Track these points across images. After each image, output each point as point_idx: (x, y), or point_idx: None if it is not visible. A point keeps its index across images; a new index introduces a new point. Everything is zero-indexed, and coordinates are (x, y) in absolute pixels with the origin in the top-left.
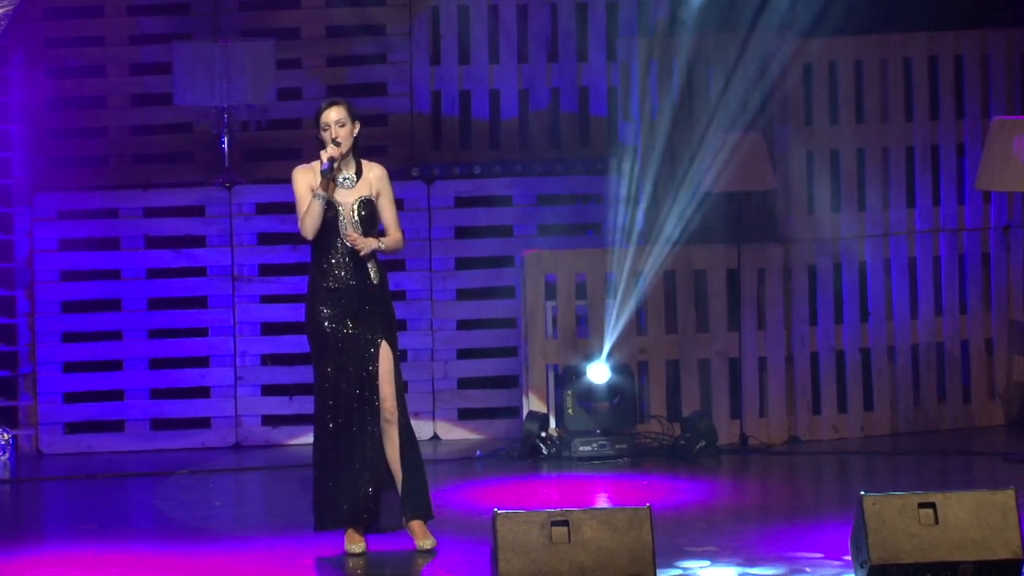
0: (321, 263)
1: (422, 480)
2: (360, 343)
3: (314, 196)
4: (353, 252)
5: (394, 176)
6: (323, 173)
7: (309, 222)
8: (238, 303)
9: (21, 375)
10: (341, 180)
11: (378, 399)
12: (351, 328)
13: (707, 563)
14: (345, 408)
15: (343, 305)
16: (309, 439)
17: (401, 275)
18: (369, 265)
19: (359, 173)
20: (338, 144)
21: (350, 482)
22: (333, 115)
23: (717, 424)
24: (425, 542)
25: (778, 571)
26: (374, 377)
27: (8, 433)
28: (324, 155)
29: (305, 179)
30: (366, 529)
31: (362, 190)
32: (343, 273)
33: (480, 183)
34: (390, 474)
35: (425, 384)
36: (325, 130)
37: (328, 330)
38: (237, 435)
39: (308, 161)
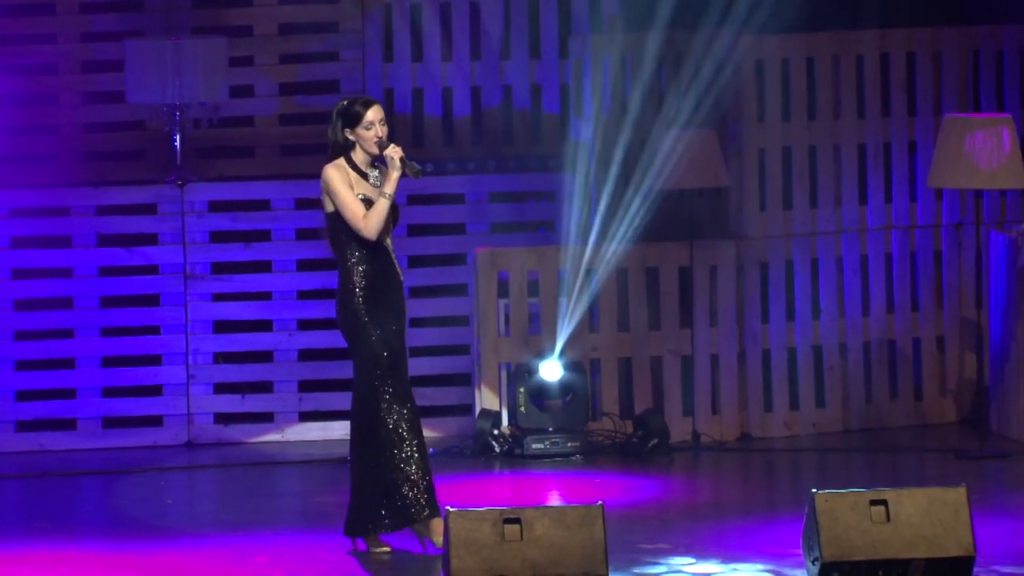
0: (358, 261)
1: None
2: (401, 340)
3: (381, 195)
4: (388, 250)
5: None
6: (415, 172)
7: (378, 221)
8: (190, 301)
9: None
10: (373, 180)
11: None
12: (394, 326)
13: (660, 560)
14: (400, 406)
15: (384, 302)
16: (261, 437)
17: None
18: (396, 262)
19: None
20: (387, 143)
21: (409, 482)
22: (377, 114)
23: (669, 421)
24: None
25: (730, 568)
26: (405, 370)
27: None
28: (394, 152)
29: (343, 178)
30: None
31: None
32: (383, 270)
33: (433, 180)
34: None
35: None
36: (369, 128)
37: (375, 327)
38: (189, 433)
39: (262, 159)
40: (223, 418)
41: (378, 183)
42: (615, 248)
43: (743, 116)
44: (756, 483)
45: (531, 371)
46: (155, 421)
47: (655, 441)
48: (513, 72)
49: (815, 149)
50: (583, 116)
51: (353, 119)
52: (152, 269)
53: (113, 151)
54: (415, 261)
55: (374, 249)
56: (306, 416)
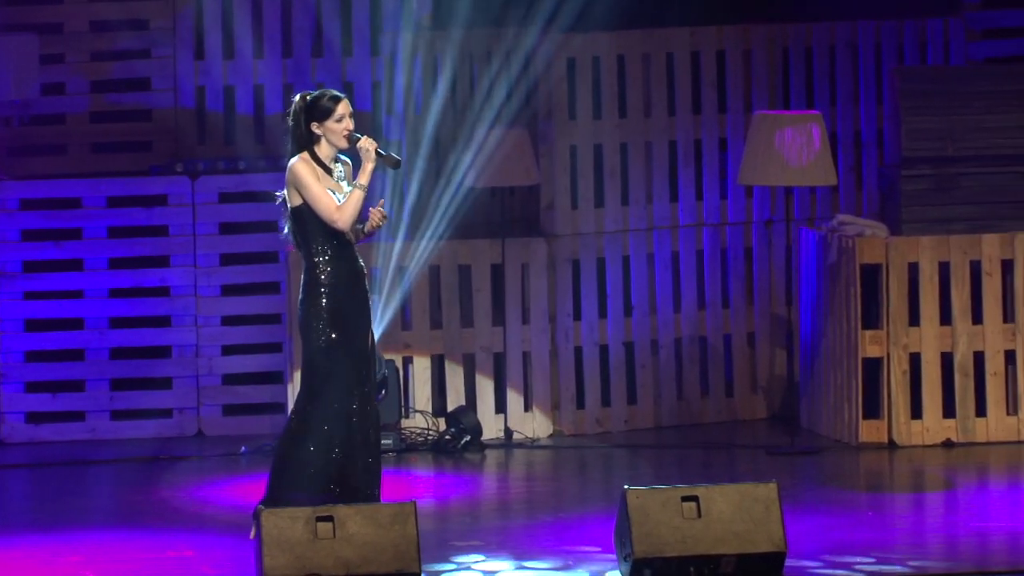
0: (325, 255)
1: None
2: (365, 332)
3: (355, 186)
4: (352, 243)
5: (158, 172)
6: (393, 164)
7: (353, 213)
8: (1, 300)
9: None
10: (336, 175)
11: (370, 386)
12: (359, 317)
13: (474, 557)
14: (344, 395)
15: (351, 297)
16: (73, 436)
17: (165, 271)
18: (359, 255)
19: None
20: (357, 136)
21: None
22: (346, 108)
23: (482, 419)
24: None
25: (542, 564)
26: (371, 366)
27: None
28: (370, 144)
29: (311, 171)
30: None
31: (350, 183)
32: (349, 265)
33: (245, 178)
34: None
35: (190, 380)
36: (339, 122)
37: (341, 319)
38: (0, 432)
39: (73, 157)
40: (34, 417)
41: (342, 177)
42: (427, 245)
43: (554, 114)
44: (568, 480)
45: None
46: None
47: (467, 438)
48: (325, 69)
49: (626, 147)
50: (394, 114)
51: (322, 113)
52: None
53: None
54: (228, 259)
55: (341, 242)
56: (118, 414)
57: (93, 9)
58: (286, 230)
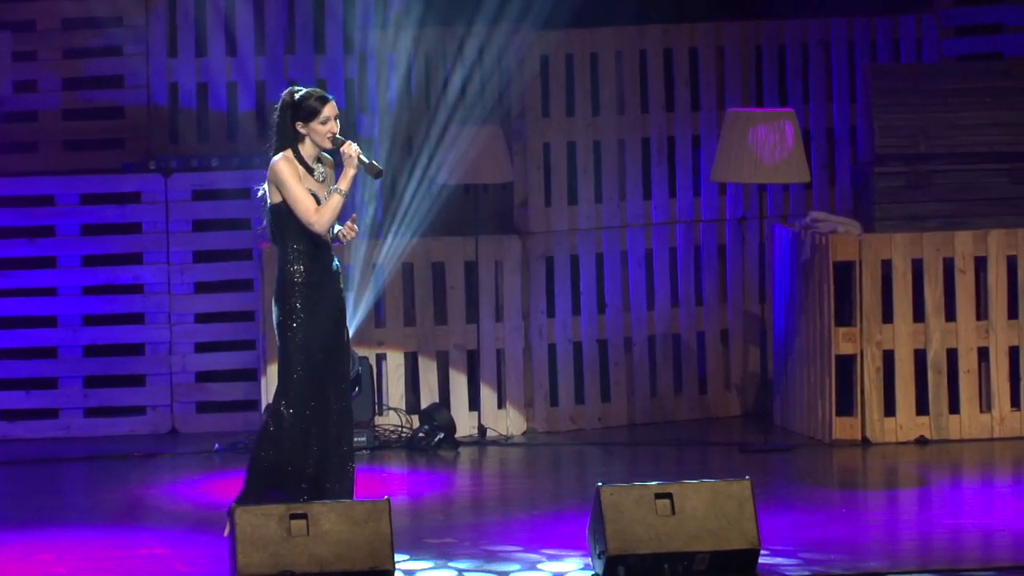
0: (299, 254)
1: None
2: (340, 330)
3: (335, 191)
4: (329, 244)
5: (131, 170)
6: (376, 172)
7: (331, 216)
8: None
9: None
10: (318, 175)
11: (345, 384)
12: (332, 319)
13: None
14: (319, 392)
15: (323, 297)
16: (47, 434)
17: (139, 268)
18: (334, 256)
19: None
20: (342, 139)
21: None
22: (333, 110)
23: (455, 416)
24: None
25: (516, 563)
26: (345, 364)
27: None
28: (352, 150)
29: (293, 171)
30: None
31: (330, 183)
32: (323, 265)
33: (218, 176)
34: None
35: (163, 378)
36: (324, 123)
37: (315, 317)
38: None
39: (45, 154)
40: (8, 414)
41: (323, 178)
42: (401, 243)
43: (527, 111)
44: (542, 477)
45: None
46: None
47: (441, 436)
48: (298, 67)
49: (599, 144)
50: (368, 111)
51: (308, 113)
52: None
53: None
54: (201, 256)
55: (317, 243)
56: (92, 412)
57: (66, 7)
58: (264, 223)
